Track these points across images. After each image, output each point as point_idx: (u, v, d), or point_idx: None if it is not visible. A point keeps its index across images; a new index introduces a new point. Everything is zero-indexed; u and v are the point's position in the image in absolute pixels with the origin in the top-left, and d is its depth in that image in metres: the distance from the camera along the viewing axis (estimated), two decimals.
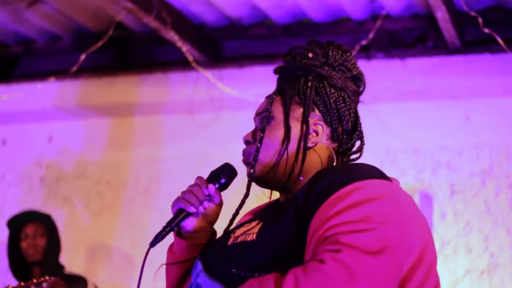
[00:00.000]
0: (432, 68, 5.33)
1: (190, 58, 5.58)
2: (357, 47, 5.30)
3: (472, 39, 5.33)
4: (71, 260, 5.64)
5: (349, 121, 2.26)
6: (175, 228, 2.20)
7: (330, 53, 2.28)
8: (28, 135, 6.19)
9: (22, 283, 3.46)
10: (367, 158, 2.25)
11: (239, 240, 2.10)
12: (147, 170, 5.90)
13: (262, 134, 2.22)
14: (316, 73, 2.25)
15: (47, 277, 3.46)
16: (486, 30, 5.04)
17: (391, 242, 1.91)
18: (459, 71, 5.28)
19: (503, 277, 5.12)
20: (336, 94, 2.24)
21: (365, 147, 2.29)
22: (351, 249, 1.86)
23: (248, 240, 2.07)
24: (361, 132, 2.31)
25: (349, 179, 2.00)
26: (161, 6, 5.19)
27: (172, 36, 5.35)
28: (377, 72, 5.34)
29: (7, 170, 6.20)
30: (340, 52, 2.30)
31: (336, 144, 2.25)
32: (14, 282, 5.04)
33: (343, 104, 2.25)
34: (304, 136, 2.20)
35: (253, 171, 2.21)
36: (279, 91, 2.27)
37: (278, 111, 2.24)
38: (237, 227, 2.20)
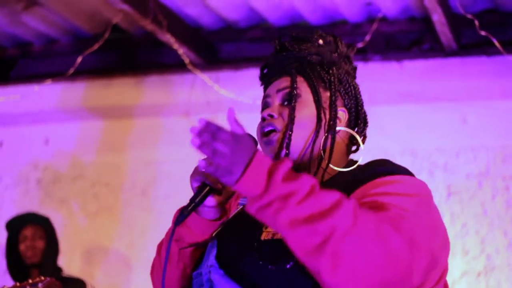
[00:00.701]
0: (428, 70, 5.33)
1: (187, 61, 5.58)
2: None
3: (469, 42, 5.34)
4: (68, 262, 5.63)
5: (363, 108, 2.29)
6: (199, 204, 2.09)
7: (339, 44, 2.29)
8: (24, 137, 6.19)
9: (18, 284, 3.47)
10: (364, 159, 2.26)
11: (276, 237, 1.99)
12: (144, 172, 5.90)
13: (293, 113, 2.15)
14: (329, 59, 2.26)
15: (42, 278, 3.47)
16: (483, 33, 5.04)
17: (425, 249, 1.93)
18: (455, 74, 5.29)
19: (500, 279, 5.13)
20: (353, 82, 2.27)
21: (362, 148, 2.28)
22: (403, 218, 1.89)
23: None
24: (367, 123, 2.32)
25: (392, 170, 2.04)
26: (158, 8, 5.19)
27: (168, 38, 5.35)
28: (374, 75, 5.35)
29: (4, 172, 6.20)
30: (346, 45, 2.32)
31: (351, 131, 2.24)
32: (11, 284, 5.04)
33: (359, 93, 2.28)
34: (333, 120, 2.18)
35: (287, 152, 2.14)
36: (300, 71, 2.22)
37: (304, 91, 2.20)
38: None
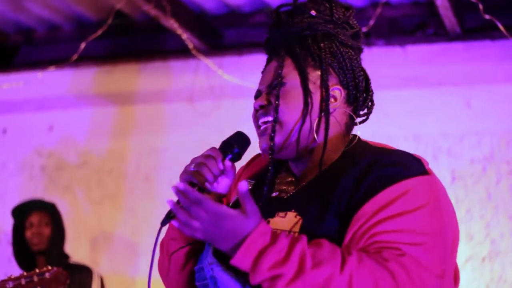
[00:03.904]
0: (432, 55, 5.32)
1: (190, 46, 5.57)
2: None
3: (473, 26, 5.31)
4: (73, 249, 5.63)
5: (362, 81, 2.18)
6: None
7: (334, 10, 2.18)
8: (28, 124, 6.19)
9: (25, 273, 3.47)
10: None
11: None
12: (147, 158, 5.90)
13: (277, 102, 2.09)
14: (323, 31, 2.15)
15: (49, 267, 3.47)
16: (487, 17, 5.02)
17: (439, 260, 1.91)
18: (459, 58, 5.27)
19: (505, 264, 5.13)
20: (348, 53, 2.15)
21: (365, 134, 2.24)
22: (411, 258, 1.85)
23: None
24: (372, 92, 2.22)
25: (400, 175, 1.96)
26: None
27: (172, 24, 5.33)
28: (377, 59, 5.33)
29: (8, 159, 6.21)
30: (343, 9, 2.21)
31: (351, 108, 2.16)
32: (16, 271, 5.05)
33: (356, 64, 2.17)
34: (325, 101, 2.09)
35: (273, 144, 2.08)
36: (288, 52, 2.14)
37: (291, 75, 2.11)
38: (267, 212, 2.03)
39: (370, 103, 2.21)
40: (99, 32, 5.61)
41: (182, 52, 5.69)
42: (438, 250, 1.91)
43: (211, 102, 5.75)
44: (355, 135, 2.17)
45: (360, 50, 2.21)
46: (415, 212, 1.91)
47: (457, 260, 2.05)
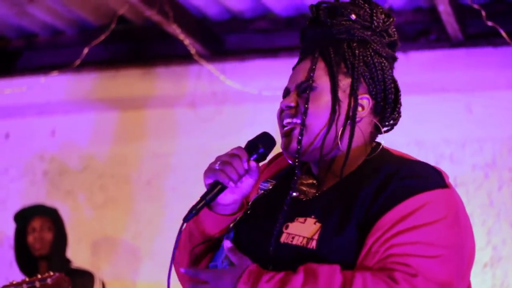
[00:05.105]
0: (434, 61, 5.32)
1: (193, 52, 5.57)
2: None
3: (475, 32, 5.32)
4: (75, 253, 5.64)
5: (392, 93, 2.17)
6: (210, 202, 2.05)
7: (375, 17, 2.14)
8: (31, 129, 6.20)
9: (27, 279, 3.47)
10: None
11: (294, 242, 1.98)
12: (150, 163, 5.90)
13: (306, 106, 2.05)
14: (359, 38, 2.12)
15: (51, 273, 3.47)
16: (489, 23, 5.02)
17: (456, 274, 1.92)
18: (461, 64, 5.28)
19: (507, 270, 5.12)
20: (382, 64, 2.13)
21: (383, 133, 2.22)
22: (424, 278, 1.85)
23: (307, 248, 1.95)
24: (401, 104, 2.20)
25: (420, 187, 1.97)
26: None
27: (174, 29, 5.34)
28: None
29: (10, 164, 6.21)
30: (383, 16, 2.17)
31: (378, 118, 2.15)
32: (18, 275, 5.05)
33: (388, 75, 2.15)
34: (353, 111, 2.07)
35: (300, 147, 2.05)
36: (322, 54, 2.10)
37: (322, 80, 2.08)
38: (287, 217, 2.03)
39: (396, 115, 2.21)
40: (102, 37, 5.62)
41: (184, 57, 5.70)
42: (454, 264, 1.92)
43: (213, 107, 5.75)
44: (378, 143, 2.16)
45: (394, 59, 2.20)
46: (432, 225, 1.91)
47: None
